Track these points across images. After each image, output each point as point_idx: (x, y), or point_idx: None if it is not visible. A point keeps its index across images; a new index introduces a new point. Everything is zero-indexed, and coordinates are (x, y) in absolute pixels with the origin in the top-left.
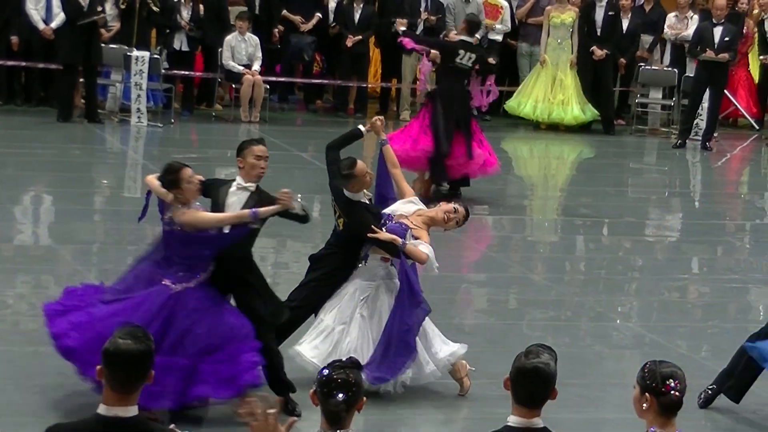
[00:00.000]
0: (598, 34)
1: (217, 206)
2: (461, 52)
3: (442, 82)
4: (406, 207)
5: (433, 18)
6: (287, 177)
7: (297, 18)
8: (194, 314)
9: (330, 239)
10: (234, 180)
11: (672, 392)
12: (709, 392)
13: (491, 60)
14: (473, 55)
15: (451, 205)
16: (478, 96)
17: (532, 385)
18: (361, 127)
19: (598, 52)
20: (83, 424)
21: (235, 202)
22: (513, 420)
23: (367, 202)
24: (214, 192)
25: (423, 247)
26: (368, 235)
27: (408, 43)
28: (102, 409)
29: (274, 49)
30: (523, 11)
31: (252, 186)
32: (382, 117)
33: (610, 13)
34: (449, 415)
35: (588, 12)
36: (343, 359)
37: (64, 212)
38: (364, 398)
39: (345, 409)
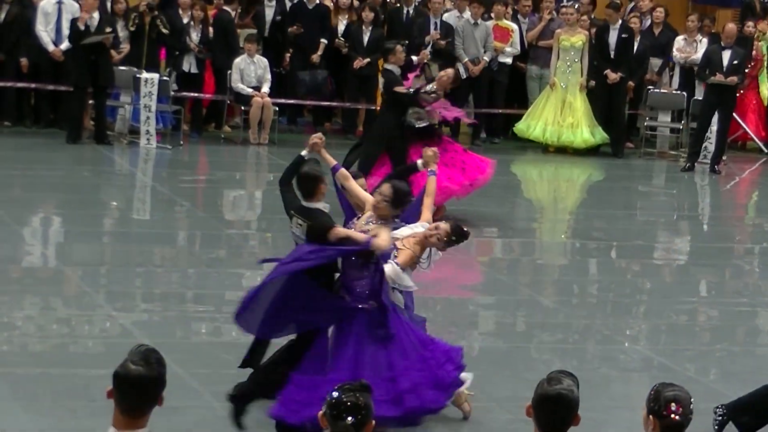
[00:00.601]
0: (612, 56)
1: None
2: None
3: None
4: (404, 230)
5: (442, 42)
6: None
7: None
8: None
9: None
10: None
11: (672, 416)
12: (723, 418)
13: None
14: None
15: (433, 224)
16: (452, 110)
17: (555, 411)
18: (303, 152)
19: (612, 76)
20: None
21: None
22: None
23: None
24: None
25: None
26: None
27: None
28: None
29: (284, 73)
30: (534, 34)
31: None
32: (320, 134)
33: (623, 35)
34: None
35: (601, 34)
36: (353, 383)
37: (73, 234)
38: (373, 422)
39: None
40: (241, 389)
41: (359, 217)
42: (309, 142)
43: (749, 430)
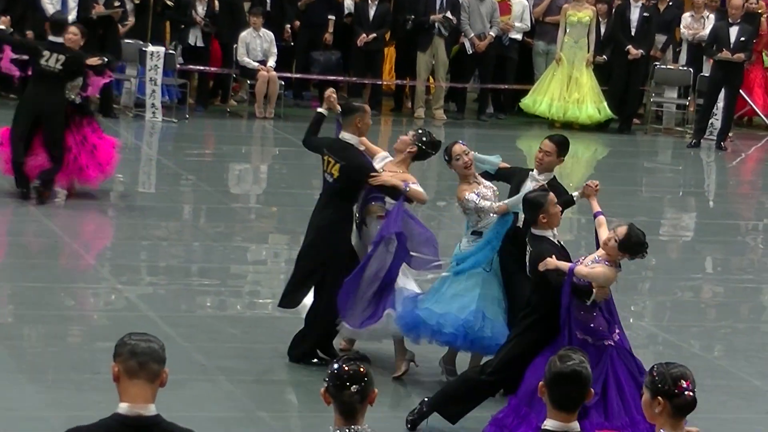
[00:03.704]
0: (632, 33)
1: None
2: (46, 53)
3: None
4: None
5: (440, 17)
6: (300, 173)
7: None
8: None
9: (321, 198)
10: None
11: (686, 392)
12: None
13: (92, 61)
14: (62, 57)
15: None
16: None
17: (571, 388)
18: (320, 109)
19: (633, 52)
20: (104, 426)
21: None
22: (551, 424)
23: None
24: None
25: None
26: (370, 178)
27: None
28: (122, 409)
29: (287, 46)
30: (540, 9)
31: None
32: (332, 89)
33: (645, 14)
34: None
35: (623, 11)
36: (351, 353)
37: (77, 207)
38: (375, 390)
39: (359, 401)
40: (438, 397)
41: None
42: (325, 96)
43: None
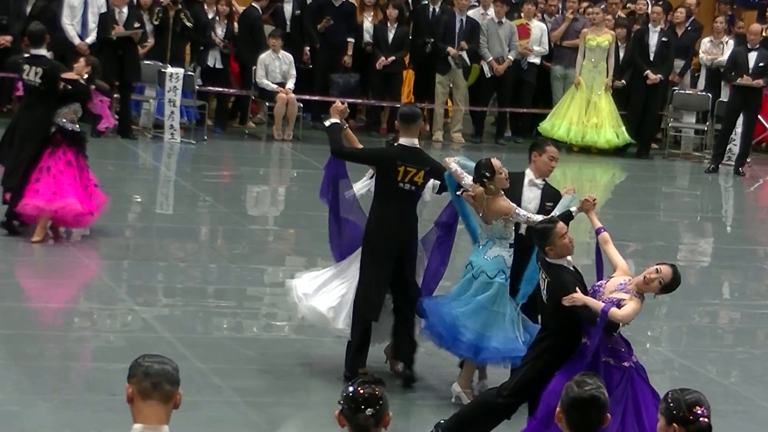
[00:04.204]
0: (651, 58)
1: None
2: (26, 67)
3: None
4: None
5: (456, 53)
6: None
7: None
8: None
9: (393, 206)
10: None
11: (701, 419)
12: None
13: (69, 75)
14: (40, 69)
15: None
16: (105, 113)
17: (589, 413)
18: (334, 120)
19: (652, 76)
20: None
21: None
22: None
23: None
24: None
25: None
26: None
27: None
28: (136, 430)
29: (305, 68)
30: (558, 33)
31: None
32: (341, 101)
33: (663, 39)
34: None
35: (641, 35)
36: (367, 376)
37: (96, 228)
38: (390, 413)
39: (374, 424)
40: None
41: (608, 280)
42: (333, 109)
43: None
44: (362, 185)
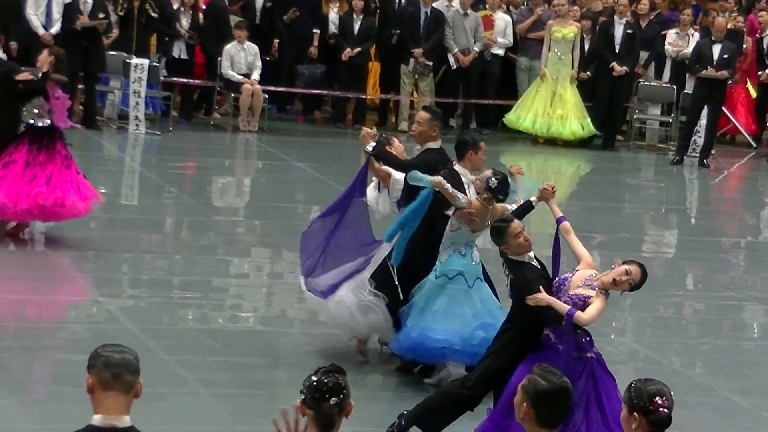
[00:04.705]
0: (617, 50)
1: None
2: None
3: None
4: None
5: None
6: (284, 187)
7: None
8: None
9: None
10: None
11: (660, 409)
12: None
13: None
14: None
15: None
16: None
17: (559, 404)
18: (371, 145)
19: (618, 68)
20: None
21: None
22: None
23: None
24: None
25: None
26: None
27: None
28: (96, 420)
29: (271, 60)
30: (524, 26)
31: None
32: (367, 130)
33: (628, 31)
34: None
35: (607, 27)
36: (329, 365)
37: None
38: (352, 403)
39: (337, 413)
40: (417, 410)
41: (574, 273)
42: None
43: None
44: (372, 196)
